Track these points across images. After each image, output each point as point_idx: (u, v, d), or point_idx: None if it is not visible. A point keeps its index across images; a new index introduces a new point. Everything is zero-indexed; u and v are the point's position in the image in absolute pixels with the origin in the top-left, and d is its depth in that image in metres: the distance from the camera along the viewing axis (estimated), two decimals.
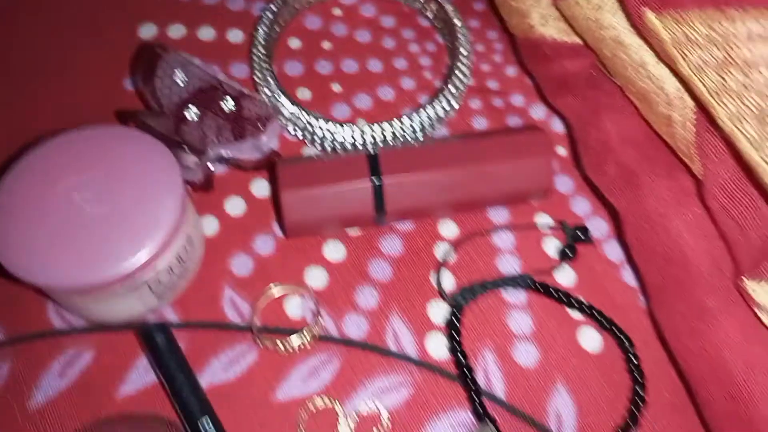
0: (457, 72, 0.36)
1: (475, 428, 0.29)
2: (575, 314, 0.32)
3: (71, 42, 0.39)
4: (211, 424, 0.27)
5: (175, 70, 0.32)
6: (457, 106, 0.36)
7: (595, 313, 0.32)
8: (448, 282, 0.32)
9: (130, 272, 0.26)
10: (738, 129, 0.21)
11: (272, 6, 0.37)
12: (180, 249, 0.29)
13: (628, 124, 0.29)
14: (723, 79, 0.21)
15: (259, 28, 0.37)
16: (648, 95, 0.27)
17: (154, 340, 0.28)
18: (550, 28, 0.32)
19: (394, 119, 0.34)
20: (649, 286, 0.30)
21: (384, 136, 0.34)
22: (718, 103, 0.21)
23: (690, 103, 0.25)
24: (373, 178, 0.31)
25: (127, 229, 0.27)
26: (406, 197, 0.31)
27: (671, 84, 0.25)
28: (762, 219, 0.24)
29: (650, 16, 0.23)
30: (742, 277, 0.25)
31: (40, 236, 0.26)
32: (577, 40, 0.31)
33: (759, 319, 0.25)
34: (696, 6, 0.22)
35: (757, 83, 0.20)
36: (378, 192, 0.30)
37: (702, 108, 0.24)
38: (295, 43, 0.39)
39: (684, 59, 0.22)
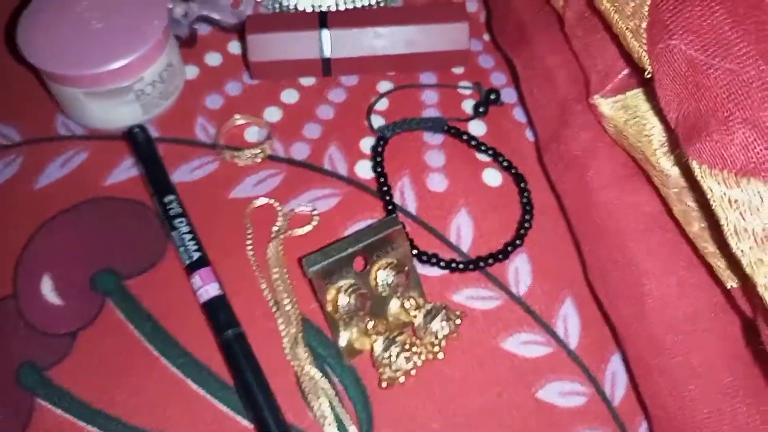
0: None
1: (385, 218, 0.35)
2: (482, 157, 0.39)
3: None
4: (175, 202, 0.35)
5: None
6: None
7: (498, 157, 0.39)
8: (379, 123, 0.40)
9: (120, 69, 0.34)
10: None
11: None
12: (162, 69, 0.36)
13: None
14: None
15: None
16: None
17: (136, 135, 0.36)
18: None
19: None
20: (539, 132, 0.37)
21: (338, 8, 0.41)
22: None
23: None
24: (321, 29, 0.38)
25: (121, 38, 0.34)
26: (345, 47, 0.38)
27: None
28: (597, 47, 0.31)
29: None
30: (593, 96, 0.32)
31: (59, 41, 0.34)
32: None
33: (604, 129, 0.32)
34: None
35: None
36: (324, 40, 0.38)
37: None
38: None
39: None
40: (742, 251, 0.21)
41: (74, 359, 0.32)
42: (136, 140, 0.36)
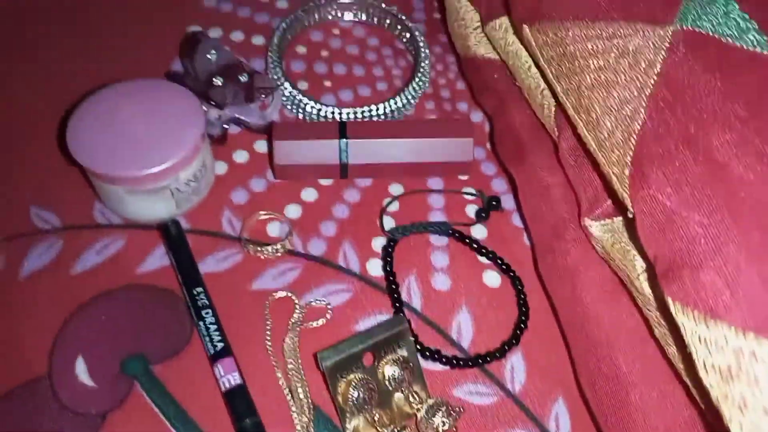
0: (417, 79, 0.48)
1: (393, 318, 0.39)
2: (483, 259, 0.43)
3: (140, 29, 0.52)
4: (203, 293, 0.38)
5: (210, 50, 0.44)
6: (413, 103, 0.48)
7: (498, 260, 0.42)
8: (390, 224, 0.43)
9: (160, 172, 0.37)
10: (566, 100, 0.32)
11: (286, 22, 0.50)
12: (196, 169, 0.40)
13: (523, 114, 0.41)
14: (560, 66, 0.33)
15: (275, 36, 0.49)
16: (531, 90, 0.39)
17: (170, 230, 0.39)
18: (481, 48, 0.45)
19: (365, 106, 0.46)
20: (533, 235, 0.41)
21: (356, 117, 0.46)
22: (557, 83, 0.33)
23: (551, 92, 0.37)
24: (340, 139, 0.42)
25: (161, 145, 0.38)
26: (362, 155, 0.42)
27: (543, 81, 0.37)
28: (588, 177, 0.35)
29: (525, 28, 0.35)
30: (584, 218, 0.36)
31: (103, 142, 0.38)
32: (497, 57, 0.43)
33: (594, 249, 0.36)
34: (548, 19, 0.34)
35: (578, 69, 0.32)
36: (343, 148, 0.42)
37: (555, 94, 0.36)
38: (301, 49, 0.52)
39: (540, 55, 0.34)
40: (710, 385, 0.25)
41: None
42: (170, 235, 0.39)
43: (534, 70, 0.38)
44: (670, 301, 0.27)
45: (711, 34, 0.30)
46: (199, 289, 0.38)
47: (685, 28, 0.30)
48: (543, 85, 0.38)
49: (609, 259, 0.35)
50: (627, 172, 0.29)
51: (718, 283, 0.25)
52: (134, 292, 0.39)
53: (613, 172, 0.30)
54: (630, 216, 0.29)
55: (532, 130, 0.41)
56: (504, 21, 0.41)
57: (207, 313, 0.37)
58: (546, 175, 0.39)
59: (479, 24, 0.45)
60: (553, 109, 0.37)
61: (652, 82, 0.29)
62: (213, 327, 0.37)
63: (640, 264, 0.32)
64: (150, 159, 0.38)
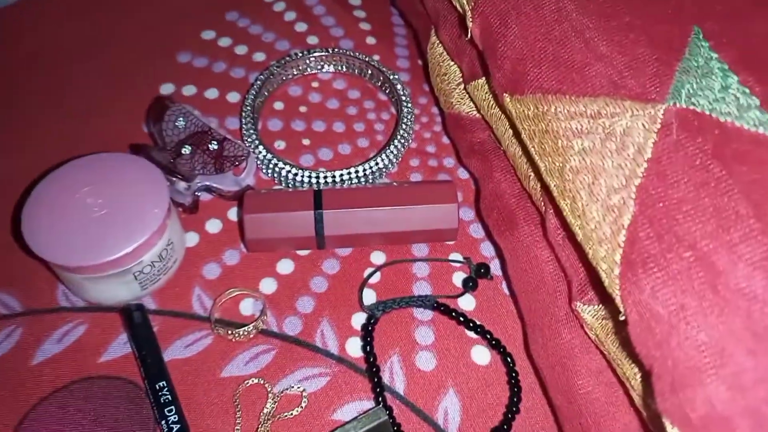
0: (399, 137, 0.45)
1: (371, 410, 0.36)
2: (470, 334, 0.40)
3: (108, 92, 0.49)
4: (166, 387, 0.35)
5: (178, 118, 0.42)
6: (397, 162, 0.45)
7: (487, 335, 0.39)
8: (371, 297, 0.41)
9: (119, 258, 0.35)
10: (549, 181, 0.30)
11: (262, 76, 0.48)
12: (162, 249, 0.38)
13: (510, 181, 0.38)
14: (542, 144, 0.30)
15: (249, 93, 0.47)
16: (516, 159, 0.36)
17: (132, 316, 0.37)
18: (465, 106, 0.42)
19: (345, 168, 0.44)
20: (523, 310, 0.38)
21: (335, 181, 0.43)
22: (539, 160, 0.30)
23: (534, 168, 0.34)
24: (315, 210, 0.40)
25: (121, 227, 0.36)
26: (340, 226, 0.40)
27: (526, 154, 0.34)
28: (575, 261, 0.32)
29: (506, 98, 0.33)
30: (575, 302, 0.33)
31: (60, 228, 0.36)
32: (481, 116, 0.41)
33: (587, 334, 0.33)
34: (530, 92, 0.31)
35: (561, 149, 0.29)
36: (318, 220, 0.39)
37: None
38: (278, 105, 0.49)
39: (522, 128, 0.31)
40: None
41: None
42: (132, 323, 0.37)
43: (519, 138, 0.36)
44: (667, 422, 0.24)
45: (707, 113, 0.27)
46: (163, 384, 0.35)
47: (678, 106, 0.27)
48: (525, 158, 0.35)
49: (603, 349, 0.31)
50: (617, 271, 0.26)
51: (719, 406, 0.22)
52: (95, 385, 0.36)
53: (601, 268, 0.27)
54: (621, 318, 0.26)
55: (521, 199, 0.38)
56: (486, 82, 0.38)
57: (170, 411, 0.34)
58: (536, 249, 0.36)
59: (462, 80, 0.43)
60: (539, 186, 0.34)
61: (642, 170, 0.26)
62: (176, 427, 0.34)
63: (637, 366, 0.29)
64: (109, 245, 0.35)
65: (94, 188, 0.37)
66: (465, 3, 0.36)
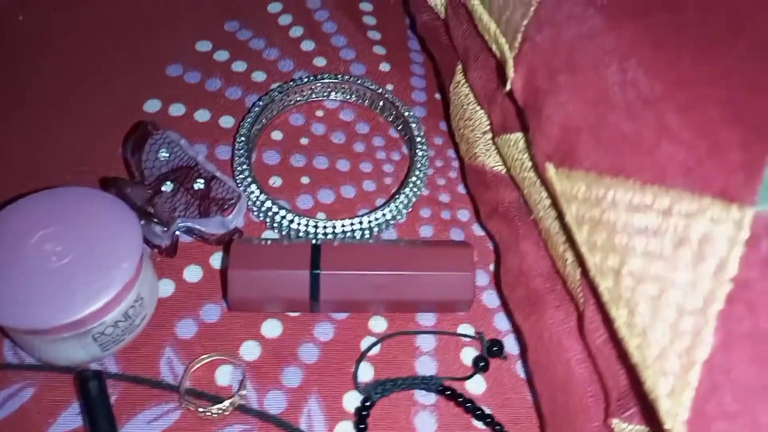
0: (412, 182, 0.40)
1: None
2: (478, 423, 0.35)
3: (83, 103, 0.44)
4: None
5: (161, 148, 0.37)
6: (406, 212, 0.40)
7: (496, 425, 0.34)
8: (368, 374, 0.35)
9: (76, 321, 0.29)
10: (599, 280, 0.24)
11: (260, 102, 0.42)
12: (128, 307, 0.32)
13: (539, 256, 0.33)
14: (593, 234, 0.25)
15: (246, 120, 0.41)
16: (551, 234, 0.31)
17: (87, 386, 0.31)
18: (491, 159, 0.37)
19: (347, 218, 0.38)
20: (543, 407, 0.33)
21: (335, 233, 0.38)
22: (588, 253, 0.25)
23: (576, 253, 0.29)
24: (312, 270, 0.34)
25: (82, 282, 0.30)
26: (338, 290, 0.34)
27: (567, 235, 0.29)
28: (613, 367, 0.27)
29: (549, 169, 0.27)
30: (611, 419, 0.28)
31: (8, 280, 0.30)
32: (509, 174, 0.35)
33: None
34: (583, 168, 0.26)
35: (619, 246, 0.24)
36: (314, 281, 0.34)
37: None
38: (277, 135, 0.44)
39: (567, 210, 0.26)
40: None
41: None
42: (87, 393, 0.31)
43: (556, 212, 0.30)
44: None
45: None
46: None
47: None
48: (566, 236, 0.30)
49: None
50: (683, 416, 0.21)
51: None
52: None
53: (661, 407, 0.22)
54: None
55: (552, 281, 0.33)
56: (521, 138, 0.33)
57: None
58: (566, 342, 0.31)
59: (490, 129, 0.37)
60: (579, 273, 0.29)
61: (725, 292, 0.21)
62: None
63: None
64: (67, 304, 0.30)
65: (53, 231, 0.31)
66: (506, 49, 0.31)
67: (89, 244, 0.31)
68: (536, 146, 0.29)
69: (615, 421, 0.27)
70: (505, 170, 0.36)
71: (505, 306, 0.38)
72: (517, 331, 0.37)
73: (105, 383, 0.32)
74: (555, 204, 0.30)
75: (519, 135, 0.33)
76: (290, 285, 0.34)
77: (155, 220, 0.34)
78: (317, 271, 0.34)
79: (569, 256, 0.30)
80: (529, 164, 0.32)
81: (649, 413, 0.26)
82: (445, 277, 0.35)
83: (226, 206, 0.36)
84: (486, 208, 0.37)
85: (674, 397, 0.21)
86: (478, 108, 0.38)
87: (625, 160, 0.25)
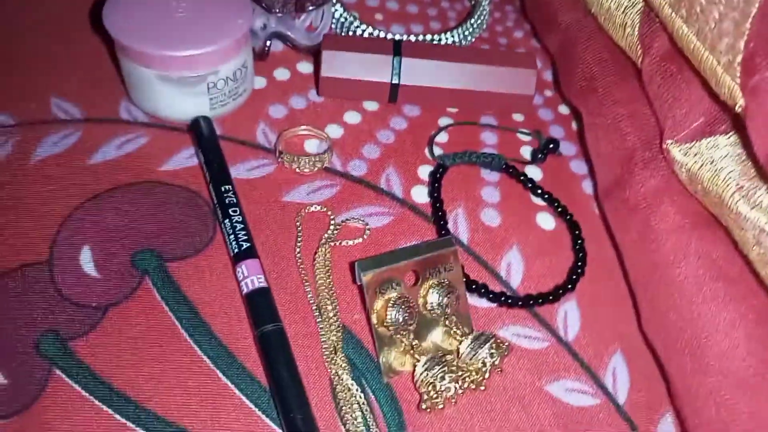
0: (475, 17, 0.45)
1: (442, 238, 0.34)
2: (537, 200, 0.39)
3: None
4: (231, 191, 0.34)
5: None
6: (468, 42, 0.45)
7: (554, 202, 0.38)
8: (439, 153, 0.40)
9: (197, 57, 0.34)
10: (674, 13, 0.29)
11: None
12: (237, 68, 0.37)
13: (596, 46, 0.38)
14: None
15: None
16: (611, 12, 0.36)
17: (200, 124, 0.36)
18: None
19: (417, 36, 0.43)
20: (601, 179, 0.37)
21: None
22: None
23: (638, 7, 0.33)
24: (394, 56, 0.39)
25: (203, 32, 0.35)
26: (416, 76, 0.39)
27: None
28: (677, 93, 0.31)
29: None
30: (667, 140, 0.32)
31: (142, 22, 0.35)
32: None
33: (676, 175, 0.32)
34: None
35: None
36: (396, 66, 0.39)
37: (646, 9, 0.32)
38: None
39: None
40: None
41: (101, 334, 0.30)
42: (200, 128, 0.36)
43: None
44: None
45: None
46: (228, 187, 0.34)
47: None
48: (624, 1, 0.35)
49: (695, 184, 0.31)
50: (738, 59, 0.25)
51: None
52: (153, 189, 0.35)
53: (719, 63, 0.26)
54: (738, 110, 0.26)
55: (604, 63, 0.37)
56: None
57: (234, 211, 0.33)
58: (618, 107, 0.35)
59: None
60: (637, 24, 0.34)
61: None
62: (239, 226, 0.32)
63: (735, 182, 0.28)
64: (190, 42, 0.35)
65: None
66: None
67: (211, 5, 0.37)
68: None
69: (670, 145, 0.32)
70: None
71: (559, 119, 0.43)
72: (573, 134, 0.42)
73: (213, 127, 0.37)
74: None
75: None
76: (375, 68, 0.39)
77: (262, 4, 0.39)
78: (399, 57, 0.39)
79: (629, 20, 0.34)
80: None
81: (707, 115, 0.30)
82: (511, 71, 0.40)
83: (318, 5, 0.41)
84: (544, 22, 0.43)
85: (730, 51, 0.26)
86: None
87: None
